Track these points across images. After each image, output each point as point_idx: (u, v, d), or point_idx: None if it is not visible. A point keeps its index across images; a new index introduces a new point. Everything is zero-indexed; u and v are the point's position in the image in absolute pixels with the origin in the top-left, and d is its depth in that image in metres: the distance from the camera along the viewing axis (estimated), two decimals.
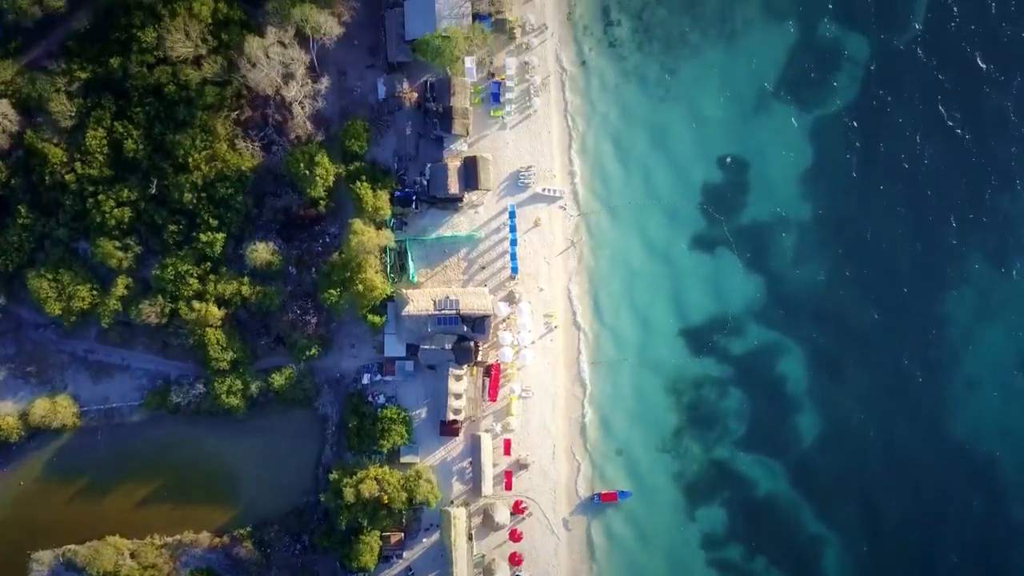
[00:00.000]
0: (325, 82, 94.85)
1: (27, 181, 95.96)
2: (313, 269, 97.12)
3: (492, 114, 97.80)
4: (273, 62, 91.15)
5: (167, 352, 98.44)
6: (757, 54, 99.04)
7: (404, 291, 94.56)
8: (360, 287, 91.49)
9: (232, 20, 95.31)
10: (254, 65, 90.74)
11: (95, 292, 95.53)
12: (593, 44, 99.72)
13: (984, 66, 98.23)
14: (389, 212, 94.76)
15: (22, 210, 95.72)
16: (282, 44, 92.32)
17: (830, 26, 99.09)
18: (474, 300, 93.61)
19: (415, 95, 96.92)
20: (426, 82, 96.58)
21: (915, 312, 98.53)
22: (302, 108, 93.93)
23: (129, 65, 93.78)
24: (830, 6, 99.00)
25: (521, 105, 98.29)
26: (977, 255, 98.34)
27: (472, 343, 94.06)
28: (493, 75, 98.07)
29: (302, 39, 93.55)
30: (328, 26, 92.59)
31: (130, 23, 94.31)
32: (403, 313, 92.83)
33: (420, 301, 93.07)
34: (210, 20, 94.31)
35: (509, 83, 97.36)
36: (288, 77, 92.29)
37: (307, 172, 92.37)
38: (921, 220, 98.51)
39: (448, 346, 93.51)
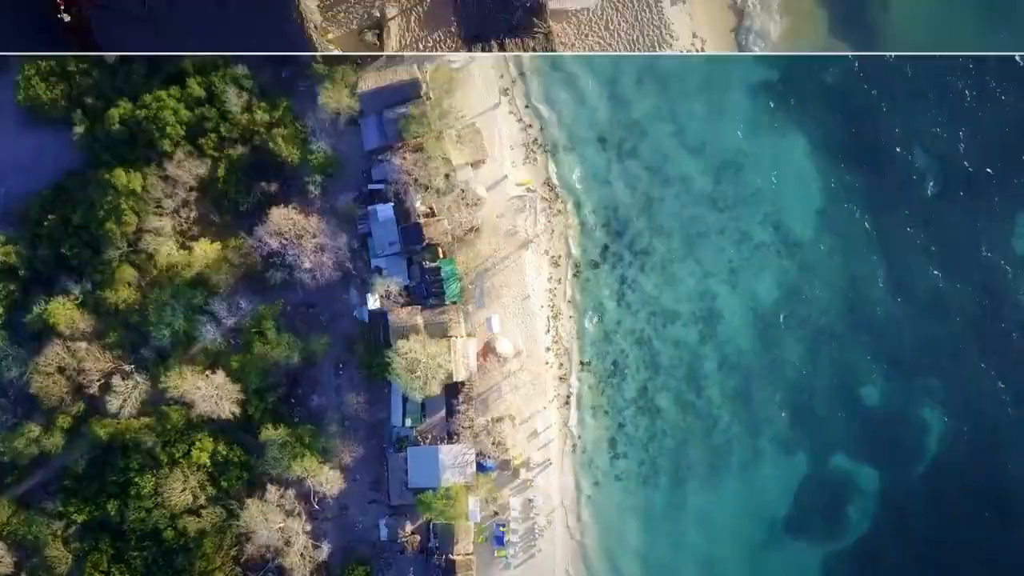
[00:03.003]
0: (326, 549, 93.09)
1: None
2: None
3: (496, 555, 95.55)
4: (272, 527, 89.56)
5: None
6: (766, 487, 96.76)
7: None
8: None
9: (231, 462, 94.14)
10: (255, 528, 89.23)
11: None
12: (599, 478, 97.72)
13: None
14: None
15: None
16: (283, 510, 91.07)
17: (841, 459, 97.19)
18: None
19: (417, 539, 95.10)
20: (429, 524, 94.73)
21: None
22: (302, 561, 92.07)
23: (126, 511, 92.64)
24: (840, 439, 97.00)
25: (526, 544, 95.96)
26: None
27: None
28: (497, 513, 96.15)
29: (302, 487, 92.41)
30: (330, 480, 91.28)
31: (127, 466, 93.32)
32: None
33: None
34: (209, 464, 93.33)
35: (514, 524, 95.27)
36: (288, 543, 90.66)
37: None
38: None
39: None
